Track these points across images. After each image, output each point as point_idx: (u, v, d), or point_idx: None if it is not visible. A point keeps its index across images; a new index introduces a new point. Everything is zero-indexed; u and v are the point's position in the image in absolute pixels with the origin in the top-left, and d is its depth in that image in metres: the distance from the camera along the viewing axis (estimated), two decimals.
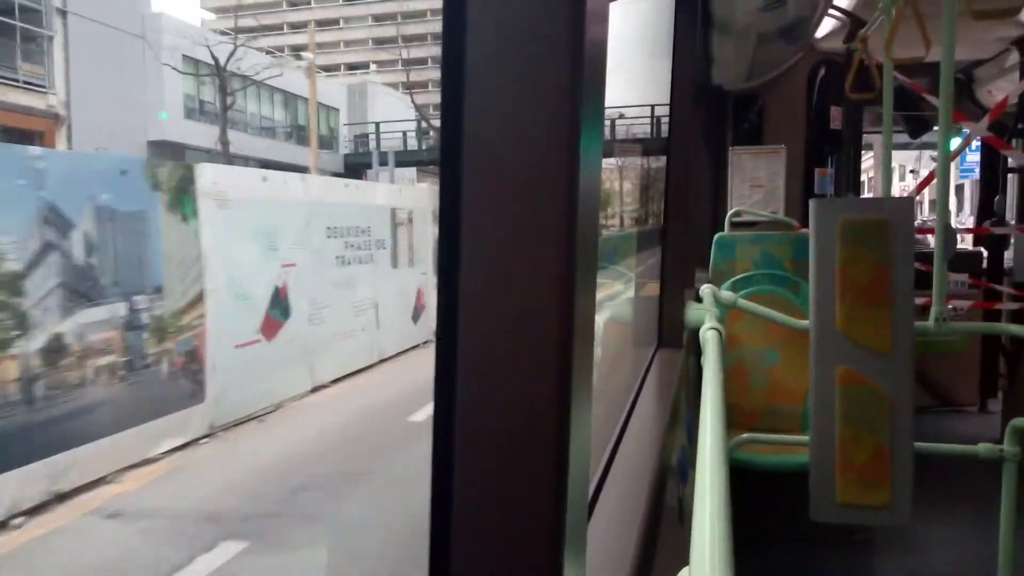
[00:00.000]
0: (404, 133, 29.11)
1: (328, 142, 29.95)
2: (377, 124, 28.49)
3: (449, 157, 0.44)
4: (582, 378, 0.47)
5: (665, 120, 2.45)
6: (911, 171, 22.98)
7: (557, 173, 0.43)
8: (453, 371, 0.45)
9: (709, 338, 1.65)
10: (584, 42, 0.42)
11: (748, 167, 4.61)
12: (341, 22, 59.35)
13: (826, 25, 4.03)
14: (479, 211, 0.44)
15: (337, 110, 31.42)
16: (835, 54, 4.32)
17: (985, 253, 4.72)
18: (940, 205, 2.24)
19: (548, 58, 0.42)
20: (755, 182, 4.59)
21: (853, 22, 3.85)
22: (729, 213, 4.06)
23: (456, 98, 0.43)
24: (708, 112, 4.61)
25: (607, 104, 0.62)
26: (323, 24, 55.19)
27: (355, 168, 28.52)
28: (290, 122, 29.23)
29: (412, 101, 31.32)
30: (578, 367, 0.46)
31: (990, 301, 4.32)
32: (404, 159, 27.77)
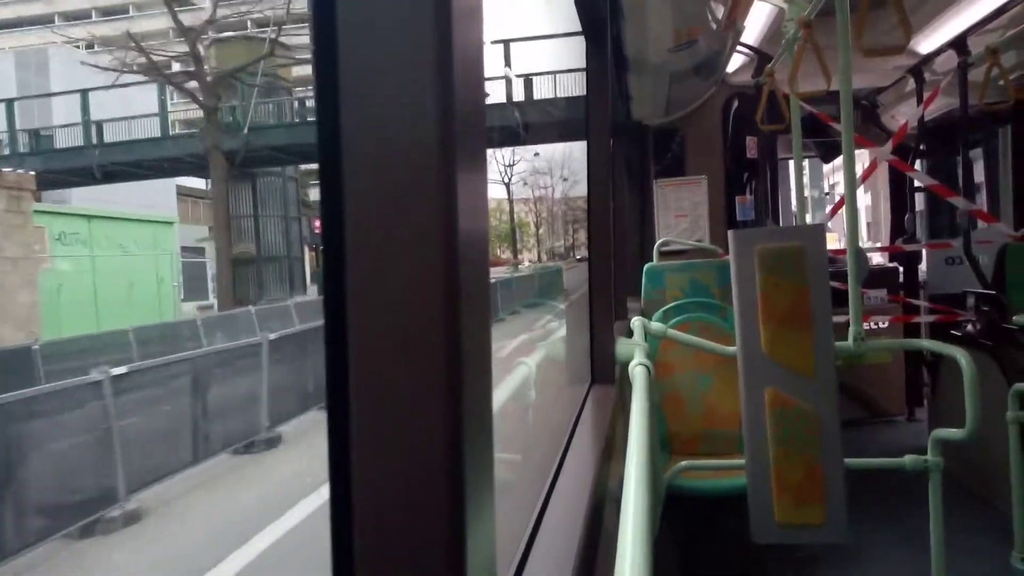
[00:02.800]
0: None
1: None
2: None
3: (328, 170, 0.42)
4: (478, 433, 0.45)
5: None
6: (826, 193, 23.90)
7: (435, 195, 0.41)
8: (346, 408, 0.43)
9: (638, 374, 1.67)
10: (452, 39, 0.41)
11: (672, 197, 4.73)
12: None
13: (736, 61, 4.21)
14: (360, 224, 0.42)
15: None
16: (746, 87, 4.50)
17: (900, 269, 4.93)
18: (849, 228, 2.33)
19: (416, 56, 0.41)
20: (679, 212, 4.71)
21: (760, 57, 4.03)
22: (657, 243, 4.15)
23: (331, 110, 0.42)
24: (630, 146, 4.73)
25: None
26: None
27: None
28: None
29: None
30: (470, 416, 0.44)
31: (909, 315, 4.51)
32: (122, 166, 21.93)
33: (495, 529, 0.50)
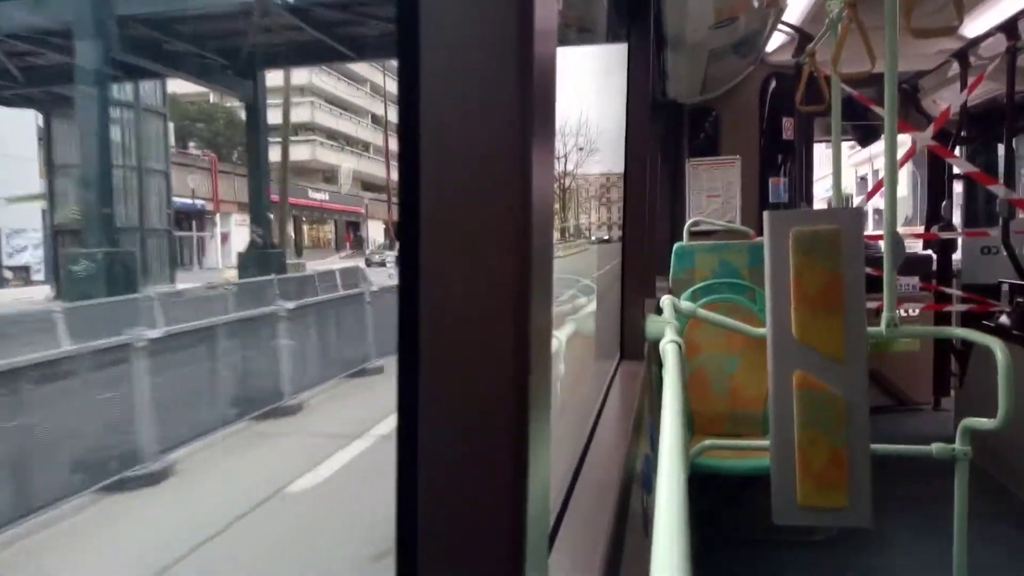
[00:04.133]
0: None
1: None
2: None
3: (408, 167, 0.45)
4: (540, 403, 0.49)
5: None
6: (861, 177, 23.51)
7: (510, 185, 0.44)
8: (415, 385, 0.47)
9: (669, 351, 1.68)
10: (533, 59, 0.44)
11: (704, 177, 4.70)
12: None
13: (776, 40, 4.14)
14: (436, 221, 0.45)
15: None
16: (785, 67, 4.43)
17: (935, 256, 4.87)
18: (888, 213, 2.30)
19: (499, 73, 0.44)
20: (712, 192, 4.68)
21: (801, 37, 3.96)
22: (687, 223, 4.13)
23: (413, 112, 0.45)
24: (665, 125, 4.69)
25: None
26: None
27: None
28: None
29: None
30: (535, 386, 0.47)
31: (940, 303, 4.46)
32: None
33: (549, 494, 0.53)
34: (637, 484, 1.49)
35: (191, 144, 33.71)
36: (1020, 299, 3.57)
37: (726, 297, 3.35)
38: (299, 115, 42.42)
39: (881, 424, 4.48)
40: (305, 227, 42.64)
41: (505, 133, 0.44)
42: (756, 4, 3.10)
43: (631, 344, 2.07)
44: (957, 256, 4.88)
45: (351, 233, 47.21)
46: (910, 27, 1.87)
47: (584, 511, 1.11)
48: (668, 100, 4.60)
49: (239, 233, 29.71)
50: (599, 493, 1.18)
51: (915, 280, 4.53)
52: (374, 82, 51.90)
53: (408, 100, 0.45)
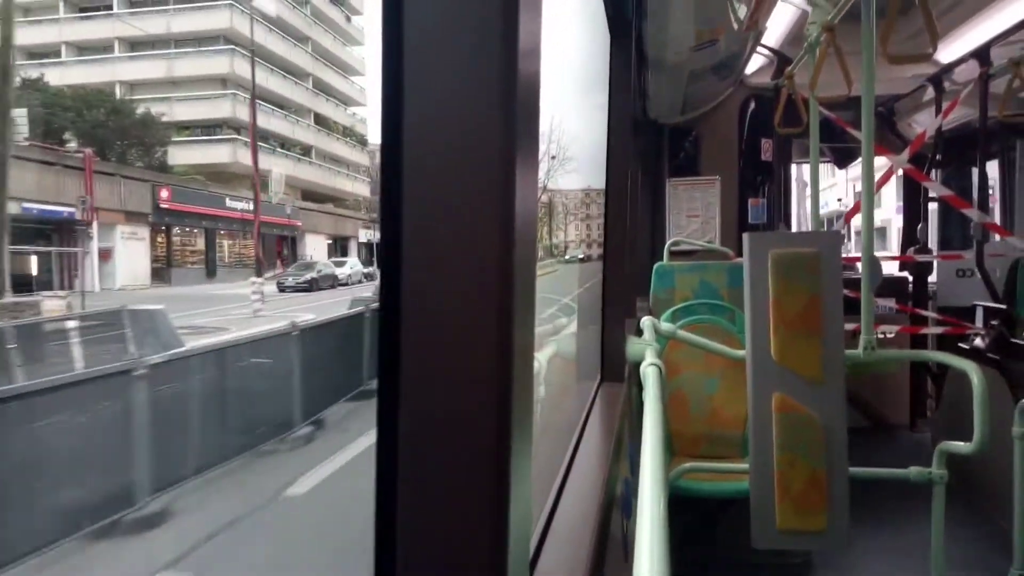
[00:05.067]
0: None
1: None
2: None
3: (390, 181, 0.45)
4: (522, 431, 0.48)
5: None
6: (838, 199, 23.80)
7: (493, 200, 0.44)
8: (395, 407, 0.46)
9: (650, 374, 1.67)
10: (517, 79, 0.44)
11: (684, 197, 4.72)
12: None
13: (755, 62, 4.18)
14: (419, 235, 0.45)
15: None
16: (764, 89, 4.48)
17: (910, 278, 4.91)
18: (865, 236, 2.31)
19: (484, 91, 0.44)
20: (691, 212, 4.70)
21: (780, 60, 4.00)
22: (668, 242, 4.14)
23: (395, 130, 0.44)
24: (645, 145, 4.72)
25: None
26: None
27: None
28: None
29: None
30: (517, 413, 0.46)
31: (917, 325, 4.49)
32: None
33: (531, 521, 0.52)
34: (617, 508, 1.47)
35: (66, 138, 25.98)
36: (994, 322, 3.60)
37: (706, 318, 3.35)
38: (219, 110, 37.65)
39: (858, 445, 4.50)
40: (227, 243, 35.99)
41: (489, 149, 0.44)
42: (736, 27, 3.13)
43: (612, 366, 2.05)
44: (933, 278, 4.93)
45: (285, 249, 40.27)
46: (886, 53, 1.89)
47: (565, 537, 1.09)
48: (648, 120, 4.62)
49: (129, 248, 25.77)
50: (580, 518, 1.16)
51: (891, 302, 4.57)
52: (317, 77, 47.16)
53: (391, 111, 0.45)
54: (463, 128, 0.44)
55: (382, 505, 0.47)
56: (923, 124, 4.56)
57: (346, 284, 31.58)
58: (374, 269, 38.65)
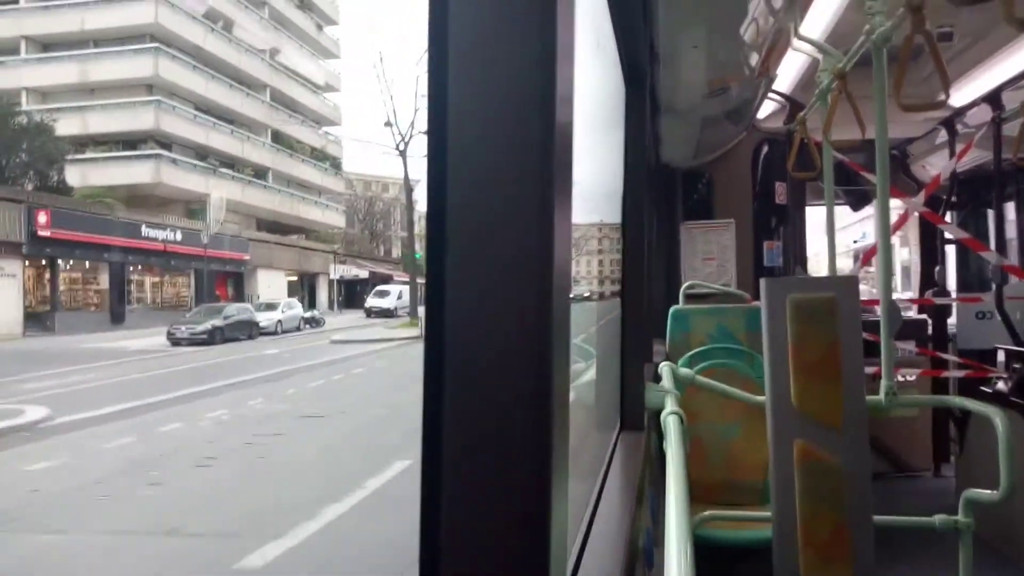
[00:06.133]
0: None
1: None
2: None
3: (435, 230, 0.47)
4: (560, 466, 0.49)
5: None
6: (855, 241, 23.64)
7: (532, 240, 0.46)
8: (439, 435, 0.48)
9: (671, 423, 1.65)
10: (555, 128, 0.46)
11: (699, 240, 4.73)
12: None
13: (767, 107, 4.22)
14: (462, 283, 0.47)
15: None
16: (777, 133, 4.51)
17: (930, 321, 4.86)
18: (883, 280, 2.30)
19: (523, 138, 0.46)
20: (707, 255, 4.70)
21: (792, 105, 4.04)
22: (683, 286, 4.13)
23: (440, 179, 0.47)
24: (659, 188, 4.75)
25: None
26: None
27: None
28: None
29: None
30: (556, 455, 0.48)
31: (937, 369, 4.43)
32: None
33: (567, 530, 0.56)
34: (639, 559, 1.44)
35: None
36: (1017, 365, 3.55)
37: (724, 363, 3.32)
38: (141, 120, 31.09)
39: (882, 491, 4.41)
40: (148, 280, 30.47)
41: (528, 192, 0.46)
42: (747, 74, 3.17)
43: (631, 414, 2.03)
44: (952, 320, 4.88)
45: (229, 288, 34.08)
46: (899, 102, 1.90)
47: None
48: (662, 164, 4.66)
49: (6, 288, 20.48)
50: (606, 568, 1.14)
51: (911, 345, 4.52)
52: (278, 89, 39.98)
53: (436, 162, 0.47)
54: (504, 174, 0.46)
55: (426, 544, 0.48)
56: (937, 166, 4.56)
57: (273, 334, 25.57)
58: (318, 313, 32.54)
